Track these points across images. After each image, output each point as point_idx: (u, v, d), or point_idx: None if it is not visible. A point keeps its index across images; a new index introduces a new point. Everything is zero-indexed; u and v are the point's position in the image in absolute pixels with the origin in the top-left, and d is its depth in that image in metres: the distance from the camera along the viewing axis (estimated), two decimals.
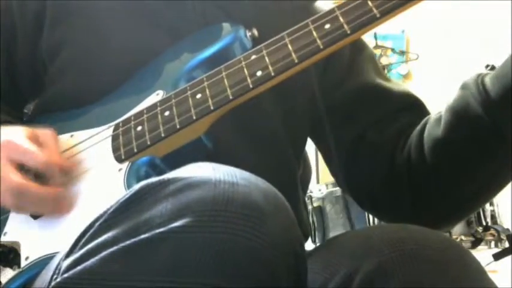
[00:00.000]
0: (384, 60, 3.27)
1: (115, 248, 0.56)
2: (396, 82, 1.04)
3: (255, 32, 0.85)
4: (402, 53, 3.23)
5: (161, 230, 0.55)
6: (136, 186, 0.60)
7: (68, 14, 0.94)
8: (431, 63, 3.12)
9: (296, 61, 0.75)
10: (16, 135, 0.80)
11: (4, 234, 0.82)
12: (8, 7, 0.96)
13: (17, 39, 0.96)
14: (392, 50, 3.25)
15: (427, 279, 0.62)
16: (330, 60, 0.91)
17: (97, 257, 0.56)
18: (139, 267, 0.55)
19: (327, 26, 0.74)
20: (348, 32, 0.73)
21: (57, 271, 0.60)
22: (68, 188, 0.79)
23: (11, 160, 0.77)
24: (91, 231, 0.60)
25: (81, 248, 0.59)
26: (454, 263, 0.64)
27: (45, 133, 0.81)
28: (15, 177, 0.76)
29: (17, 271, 0.77)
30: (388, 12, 0.72)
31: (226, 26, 0.85)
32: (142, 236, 0.55)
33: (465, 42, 2.96)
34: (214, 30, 0.85)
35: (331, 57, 0.86)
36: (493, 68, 2.93)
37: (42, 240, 0.78)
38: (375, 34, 3.23)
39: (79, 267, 0.57)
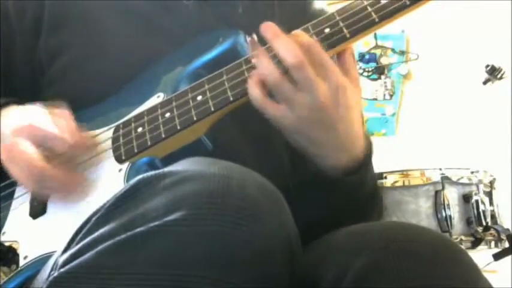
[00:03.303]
0: (383, 60, 3.27)
1: (111, 241, 0.56)
2: None
3: (255, 37, 0.85)
4: (402, 53, 3.22)
5: (156, 223, 0.55)
6: (132, 181, 0.61)
7: (67, 18, 0.94)
8: (431, 63, 3.12)
9: None
10: (37, 116, 0.80)
11: (3, 234, 0.83)
12: (6, 11, 0.96)
13: (16, 42, 0.96)
14: (392, 50, 3.24)
15: (420, 276, 0.62)
16: None
17: (93, 251, 0.57)
18: (135, 260, 0.55)
19: (327, 30, 0.76)
20: (348, 36, 0.75)
21: (54, 266, 0.61)
22: (85, 171, 0.80)
23: (34, 143, 0.77)
24: (88, 226, 0.61)
25: (78, 242, 0.60)
26: (446, 260, 0.64)
27: (61, 113, 0.81)
28: (40, 163, 0.75)
29: (15, 270, 0.77)
30: (386, 17, 0.74)
31: (226, 31, 0.86)
32: (138, 230, 0.56)
33: (465, 42, 2.95)
34: (214, 35, 0.86)
35: None
36: (492, 68, 2.95)
37: (41, 239, 0.78)
38: (375, 34, 3.22)
39: (75, 262, 0.57)
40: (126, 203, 0.59)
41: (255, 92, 0.75)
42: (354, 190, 0.82)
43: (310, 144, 0.77)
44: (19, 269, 0.77)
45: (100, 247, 0.56)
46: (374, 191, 0.88)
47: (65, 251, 0.61)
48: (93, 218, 0.61)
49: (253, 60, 0.77)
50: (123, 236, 0.56)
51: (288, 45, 0.73)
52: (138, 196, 0.59)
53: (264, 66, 0.74)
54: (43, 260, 0.74)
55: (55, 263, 0.61)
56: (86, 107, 0.88)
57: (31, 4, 0.95)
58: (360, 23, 0.75)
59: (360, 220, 0.75)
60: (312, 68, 0.73)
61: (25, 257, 0.77)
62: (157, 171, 0.60)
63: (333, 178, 0.79)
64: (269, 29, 0.76)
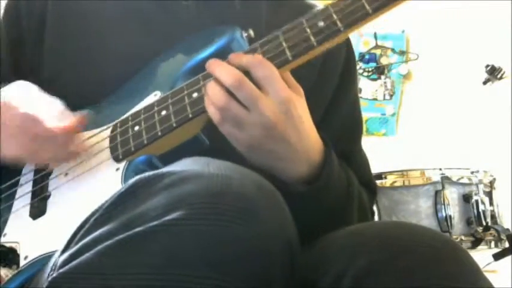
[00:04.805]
0: (383, 60, 3.27)
1: (110, 241, 0.56)
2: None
3: (251, 32, 0.85)
4: (402, 53, 3.22)
5: (155, 223, 0.55)
6: (131, 181, 0.61)
7: (65, 17, 0.95)
8: (431, 63, 3.12)
9: (290, 58, 0.76)
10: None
11: (4, 236, 0.83)
12: (18, 12, 0.97)
13: (26, 43, 0.96)
14: (392, 50, 3.24)
15: (421, 276, 0.62)
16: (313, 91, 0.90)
17: (92, 251, 0.57)
18: (134, 260, 0.55)
19: (321, 23, 0.76)
20: (342, 28, 0.75)
21: (53, 267, 0.61)
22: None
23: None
24: (86, 226, 0.61)
25: (77, 243, 0.60)
26: (447, 260, 0.64)
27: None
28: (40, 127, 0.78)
29: (16, 271, 0.77)
30: (379, 8, 0.74)
31: (222, 27, 0.86)
32: (137, 229, 0.56)
33: (465, 42, 2.96)
34: (211, 32, 0.86)
35: (316, 90, 0.89)
36: (492, 68, 2.95)
37: (41, 239, 0.79)
38: (375, 34, 3.22)
39: (74, 262, 0.57)
40: (125, 202, 0.59)
41: (211, 110, 0.75)
42: (320, 196, 0.81)
43: (266, 159, 0.77)
44: (20, 269, 0.77)
45: (99, 247, 0.56)
46: (346, 194, 0.86)
47: (64, 251, 0.61)
48: (92, 218, 0.61)
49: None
50: (122, 236, 0.56)
51: (225, 68, 0.74)
52: (137, 196, 0.59)
53: (211, 92, 0.75)
54: (43, 260, 0.74)
55: (54, 263, 0.61)
56: (84, 106, 0.88)
57: (39, 4, 0.96)
58: (353, 15, 0.74)
59: (339, 225, 0.75)
60: (256, 85, 0.73)
61: (25, 257, 0.77)
62: (156, 171, 0.60)
63: (295, 189, 0.78)
64: (211, 63, 0.77)
